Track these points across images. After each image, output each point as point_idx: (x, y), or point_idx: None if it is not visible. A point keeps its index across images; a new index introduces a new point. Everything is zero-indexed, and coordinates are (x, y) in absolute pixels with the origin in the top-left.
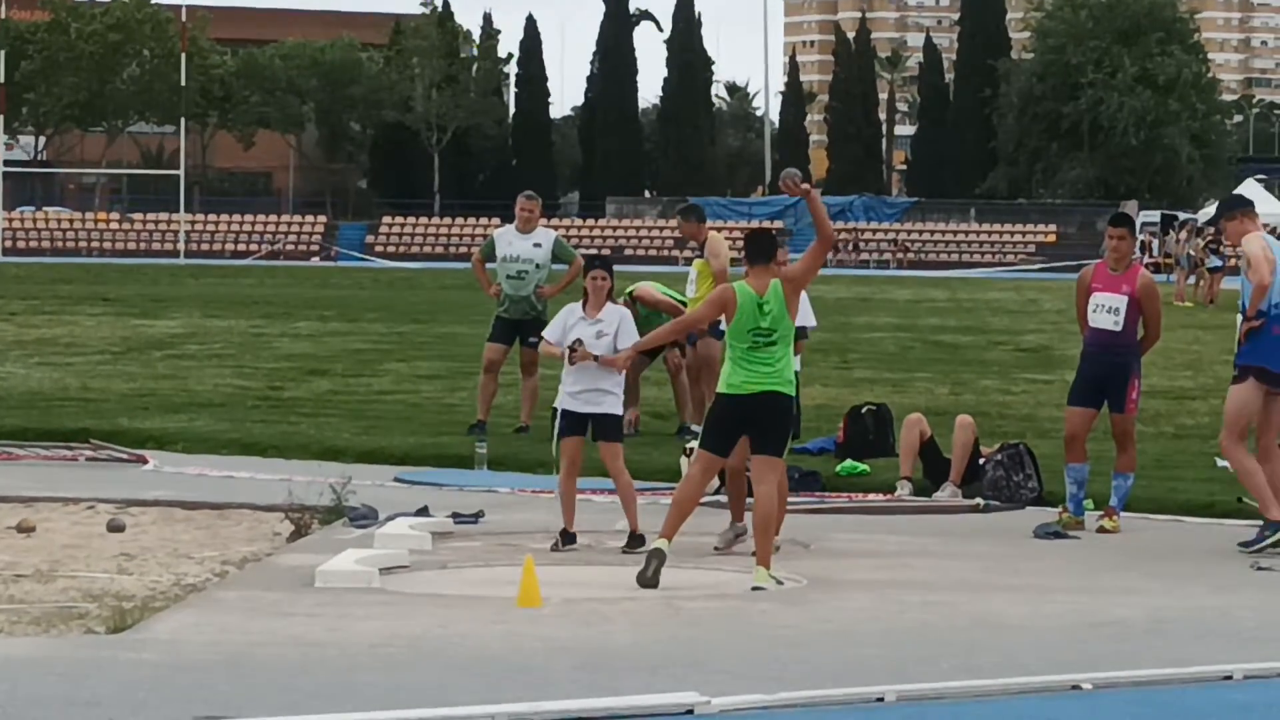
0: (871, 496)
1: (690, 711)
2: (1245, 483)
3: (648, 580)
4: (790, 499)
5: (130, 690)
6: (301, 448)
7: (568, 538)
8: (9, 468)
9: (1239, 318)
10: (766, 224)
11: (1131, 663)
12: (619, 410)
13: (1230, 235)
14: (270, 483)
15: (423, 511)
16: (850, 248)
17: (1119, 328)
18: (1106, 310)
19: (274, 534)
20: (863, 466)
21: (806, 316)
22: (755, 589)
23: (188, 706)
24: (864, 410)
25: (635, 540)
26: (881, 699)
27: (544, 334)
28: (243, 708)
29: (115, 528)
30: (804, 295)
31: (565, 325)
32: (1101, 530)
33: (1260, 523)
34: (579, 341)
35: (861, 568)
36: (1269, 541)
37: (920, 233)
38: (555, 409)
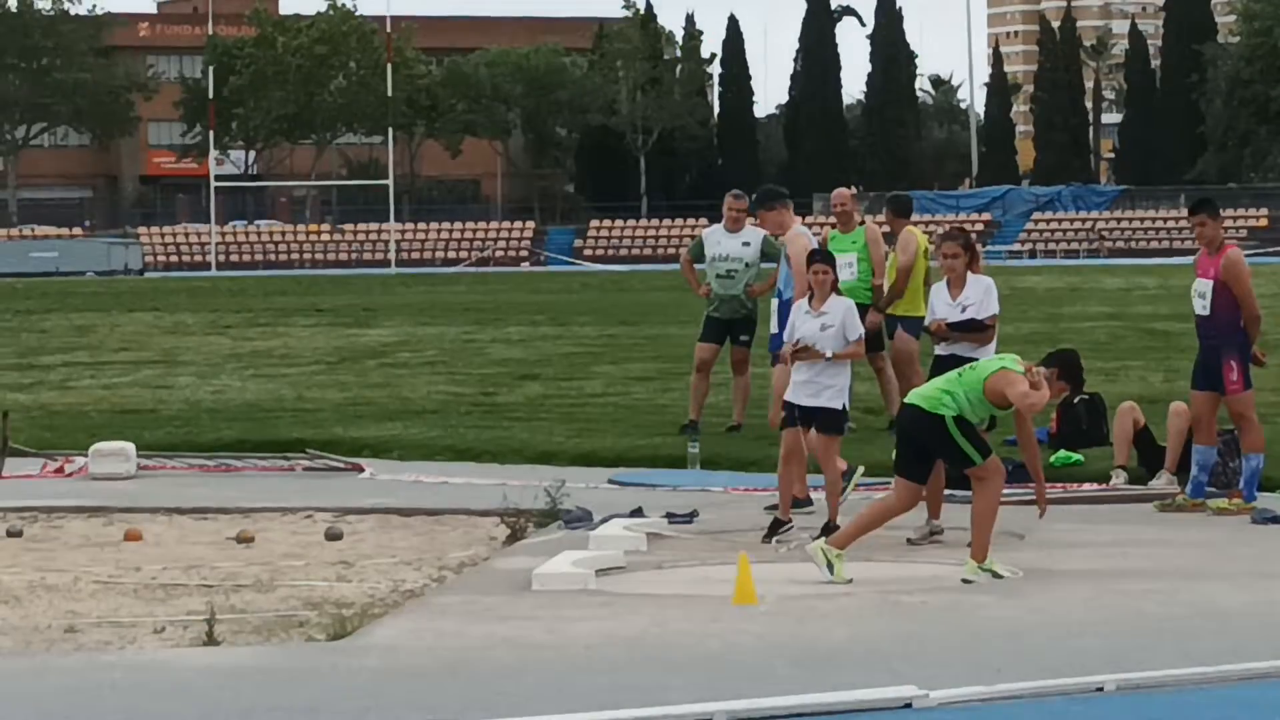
0: (1086, 486)
1: (908, 705)
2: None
3: None
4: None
5: (351, 697)
6: (515, 452)
7: (779, 525)
8: (228, 479)
9: (775, 301)
10: (974, 216)
11: None
12: (837, 404)
13: (768, 225)
14: (485, 487)
15: (637, 512)
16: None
17: (1207, 311)
18: (1198, 295)
19: (490, 538)
20: (1076, 456)
21: (989, 305)
22: (964, 581)
23: (409, 712)
24: (1076, 400)
25: (828, 530)
26: (1101, 689)
27: (784, 339)
28: (463, 712)
29: (333, 536)
30: (988, 282)
31: (793, 323)
32: (1222, 511)
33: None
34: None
35: (1077, 558)
36: (848, 489)
37: (1130, 220)
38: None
